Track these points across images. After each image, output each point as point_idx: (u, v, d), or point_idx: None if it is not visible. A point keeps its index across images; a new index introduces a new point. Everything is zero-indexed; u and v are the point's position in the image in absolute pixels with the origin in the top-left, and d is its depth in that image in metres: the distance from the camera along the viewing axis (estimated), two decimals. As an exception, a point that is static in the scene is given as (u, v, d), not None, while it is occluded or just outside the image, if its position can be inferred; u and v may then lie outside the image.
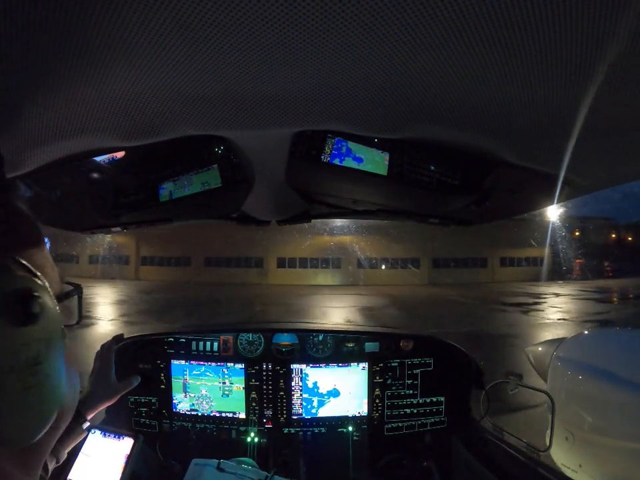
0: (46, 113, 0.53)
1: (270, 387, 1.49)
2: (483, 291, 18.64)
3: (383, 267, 25.61)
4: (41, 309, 0.33)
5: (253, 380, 1.49)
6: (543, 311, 12.23)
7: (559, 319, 10.62)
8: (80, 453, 1.10)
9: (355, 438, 1.47)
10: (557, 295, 17.20)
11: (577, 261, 28.89)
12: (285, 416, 1.48)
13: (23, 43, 0.39)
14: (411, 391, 1.51)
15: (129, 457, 1.13)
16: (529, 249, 28.85)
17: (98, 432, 1.17)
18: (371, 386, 1.50)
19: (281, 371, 1.49)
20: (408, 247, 23.80)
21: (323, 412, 1.49)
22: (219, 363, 1.50)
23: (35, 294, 0.33)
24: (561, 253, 28.78)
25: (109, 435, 1.18)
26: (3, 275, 0.32)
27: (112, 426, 1.20)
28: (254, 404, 1.48)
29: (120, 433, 1.18)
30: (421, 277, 25.04)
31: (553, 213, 23.57)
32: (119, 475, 1.09)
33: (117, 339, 1.27)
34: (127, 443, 1.16)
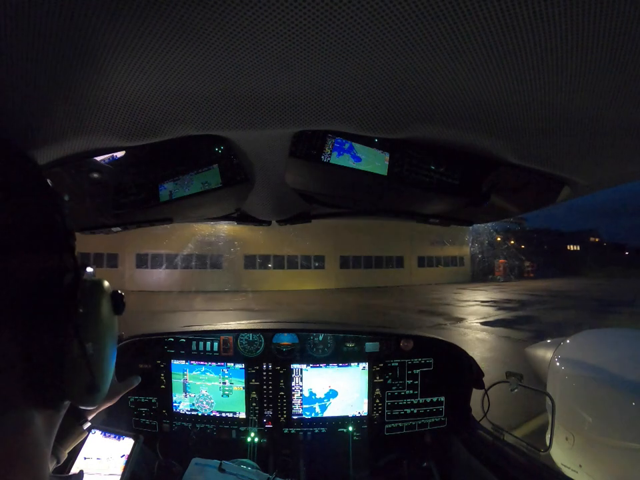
0: (46, 113, 0.53)
1: (270, 387, 1.49)
2: (403, 298, 15.81)
3: (278, 266, 20.98)
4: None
5: (253, 380, 1.49)
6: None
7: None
8: (80, 453, 1.10)
9: (355, 438, 1.47)
10: (497, 303, 14.56)
11: (500, 260, 28.36)
12: (285, 416, 1.48)
13: (23, 43, 0.39)
14: (411, 391, 1.52)
15: (129, 457, 1.13)
16: (450, 248, 27.30)
17: (98, 432, 1.17)
18: (371, 386, 1.50)
19: (281, 371, 1.49)
20: (310, 241, 19.65)
21: (323, 412, 1.49)
22: (219, 363, 1.50)
23: (122, 293, 0.44)
24: (484, 253, 28.09)
25: (109, 435, 1.18)
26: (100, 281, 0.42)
27: (112, 426, 1.20)
28: (254, 404, 1.48)
29: (120, 433, 1.18)
30: (326, 280, 21.17)
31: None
32: (119, 475, 1.09)
33: (117, 339, 1.27)
34: (126, 443, 1.16)
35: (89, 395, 0.38)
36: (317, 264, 22.45)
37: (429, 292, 19.23)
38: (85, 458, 1.10)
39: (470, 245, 28.25)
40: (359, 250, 22.62)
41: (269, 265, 21.03)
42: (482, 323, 9.63)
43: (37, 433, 0.35)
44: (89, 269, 0.41)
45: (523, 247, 29.48)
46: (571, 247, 42.67)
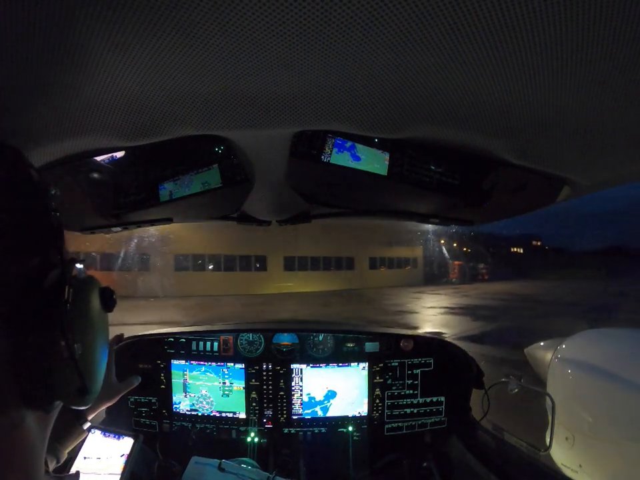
0: (46, 114, 0.53)
1: (270, 387, 1.49)
2: (357, 306, 13.62)
3: (215, 268, 18.19)
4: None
5: (253, 380, 1.49)
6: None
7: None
8: (80, 453, 1.10)
9: (355, 438, 1.47)
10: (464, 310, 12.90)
11: (455, 262, 27.26)
12: (285, 416, 1.48)
13: (24, 43, 0.39)
14: (411, 391, 1.51)
15: (129, 457, 1.13)
16: (403, 249, 25.46)
17: (98, 432, 1.17)
18: (371, 386, 1.50)
19: (281, 371, 1.49)
20: (251, 240, 16.90)
21: (323, 412, 1.49)
22: (219, 363, 1.50)
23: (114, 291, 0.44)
24: (437, 255, 26.81)
25: (109, 435, 1.18)
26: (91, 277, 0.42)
27: (112, 426, 1.20)
28: (254, 404, 1.48)
29: (120, 432, 1.18)
30: (269, 283, 18.28)
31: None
32: (119, 475, 1.09)
33: (117, 338, 1.27)
34: (126, 443, 1.16)
35: (79, 396, 0.37)
36: (257, 265, 19.75)
37: (384, 297, 17.17)
38: (85, 458, 1.10)
39: (423, 246, 27.17)
40: (305, 250, 19.83)
41: (204, 267, 18.43)
42: (468, 339, 7.48)
43: (28, 433, 0.35)
44: (79, 266, 0.40)
45: (468, 250, 28.74)
46: (515, 249, 42.87)
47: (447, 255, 26.86)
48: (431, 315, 12.34)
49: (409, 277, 25.63)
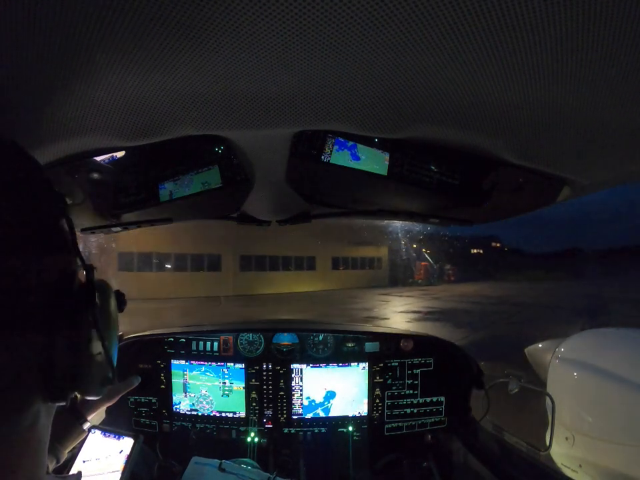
0: (46, 114, 0.53)
1: (270, 387, 1.49)
2: (322, 311, 12.12)
3: (163, 267, 16.46)
4: None
5: (253, 380, 1.49)
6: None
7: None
8: (80, 453, 1.10)
9: (355, 438, 1.47)
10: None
11: (422, 263, 25.99)
12: (285, 416, 1.49)
13: (24, 43, 0.39)
14: (411, 391, 1.51)
15: (129, 457, 1.13)
16: (368, 248, 23.92)
17: (98, 432, 1.17)
18: (371, 386, 1.50)
19: (281, 371, 1.49)
20: (205, 236, 15.21)
21: (323, 412, 1.49)
22: (219, 363, 1.50)
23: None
24: (402, 255, 25.35)
25: (109, 435, 1.18)
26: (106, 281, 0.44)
27: (112, 426, 1.20)
28: (254, 404, 1.48)
29: (120, 433, 1.18)
30: (223, 284, 16.56)
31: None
32: (119, 475, 1.09)
33: (117, 339, 1.27)
34: (126, 443, 1.16)
35: (102, 386, 0.41)
36: (211, 264, 17.82)
37: (350, 300, 15.76)
38: (85, 461, 1.10)
39: (388, 245, 25.76)
40: (264, 248, 18.24)
41: (151, 266, 16.56)
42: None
43: (42, 427, 0.36)
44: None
45: (433, 251, 27.68)
46: (475, 250, 42.66)
47: (412, 255, 26.05)
48: (404, 321, 11.08)
49: (374, 278, 24.08)
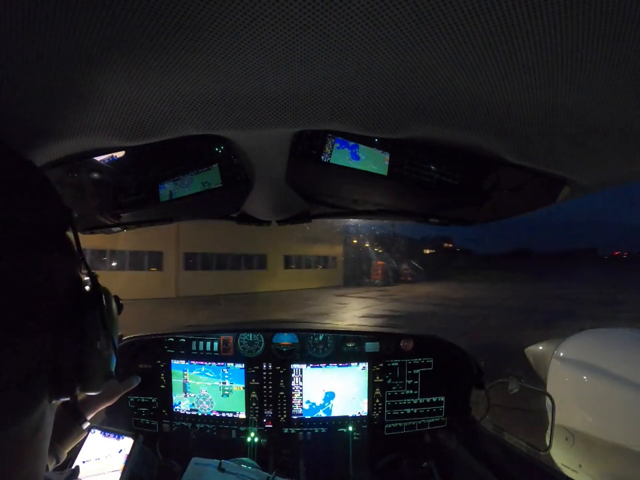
0: (47, 114, 0.53)
1: (270, 387, 1.49)
2: (274, 315, 10.25)
3: (99, 264, 13.74)
4: None
5: (253, 380, 1.49)
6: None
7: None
8: (80, 453, 1.10)
9: (355, 438, 1.47)
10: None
11: (378, 262, 24.75)
12: (285, 416, 1.49)
13: (24, 43, 0.39)
14: (411, 391, 1.51)
15: (129, 457, 1.13)
16: (322, 246, 22.40)
17: (98, 432, 1.17)
18: (371, 386, 1.50)
19: (281, 371, 1.49)
20: (148, 234, 13.24)
21: (323, 412, 1.49)
22: (219, 363, 1.50)
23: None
24: (357, 254, 24.25)
25: (109, 435, 1.18)
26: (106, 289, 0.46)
27: (112, 426, 1.20)
28: (254, 404, 1.48)
29: (120, 432, 1.18)
30: (165, 285, 15.19)
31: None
32: (119, 475, 1.09)
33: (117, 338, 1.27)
34: (126, 443, 1.16)
35: (104, 382, 0.44)
36: (152, 263, 16.04)
37: (303, 303, 14.42)
38: (84, 462, 1.10)
39: (343, 244, 24.66)
40: (210, 246, 16.80)
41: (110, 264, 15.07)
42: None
43: (46, 425, 0.38)
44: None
45: (384, 250, 26.76)
46: (428, 251, 42.60)
47: (368, 254, 24.97)
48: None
49: (329, 278, 22.78)
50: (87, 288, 0.42)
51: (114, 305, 0.48)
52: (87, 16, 0.35)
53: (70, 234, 0.40)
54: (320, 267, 24.09)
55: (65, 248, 0.38)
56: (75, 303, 0.38)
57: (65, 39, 0.38)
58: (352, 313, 12.67)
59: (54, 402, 0.39)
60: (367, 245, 25.61)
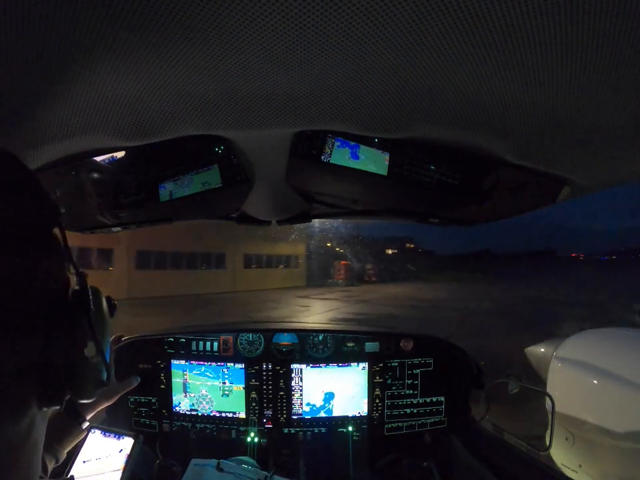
0: (47, 114, 0.53)
1: (270, 387, 1.49)
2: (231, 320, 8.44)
3: None
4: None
5: (253, 380, 1.49)
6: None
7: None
8: (80, 453, 1.10)
9: (355, 438, 1.47)
10: None
11: (342, 262, 23.71)
12: (284, 416, 1.49)
13: (24, 43, 0.39)
14: (411, 391, 1.51)
15: (129, 457, 1.13)
16: (284, 245, 21.40)
17: (98, 432, 1.17)
18: (371, 386, 1.50)
19: (281, 371, 1.49)
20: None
21: (323, 412, 1.49)
22: (219, 363, 1.50)
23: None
24: (320, 253, 22.79)
25: (109, 435, 1.18)
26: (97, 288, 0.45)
27: (112, 426, 1.20)
28: (254, 404, 1.48)
29: (120, 432, 1.18)
30: (114, 285, 13.84)
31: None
32: (119, 475, 1.09)
33: (117, 339, 1.27)
34: (127, 443, 1.16)
35: (95, 389, 0.41)
36: (100, 261, 14.95)
37: (264, 305, 13.64)
38: (85, 462, 1.10)
39: (306, 243, 23.13)
40: (164, 243, 15.64)
41: None
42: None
43: (37, 432, 0.36)
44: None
45: (347, 249, 25.36)
46: (391, 251, 42.02)
47: (332, 253, 23.82)
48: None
49: (291, 278, 21.55)
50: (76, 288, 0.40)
51: (104, 306, 0.46)
52: (87, 16, 0.35)
53: (57, 232, 0.39)
54: (282, 266, 23.01)
55: (49, 248, 0.37)
56: (60, 305, 0.37)
57: (64, 39, 0.38)
58: (316, 317, 11.64)
59: (45, 409, 0.37)
60: (330, 245, 24.47)
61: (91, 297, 0.41)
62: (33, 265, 0.34)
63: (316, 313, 12.24)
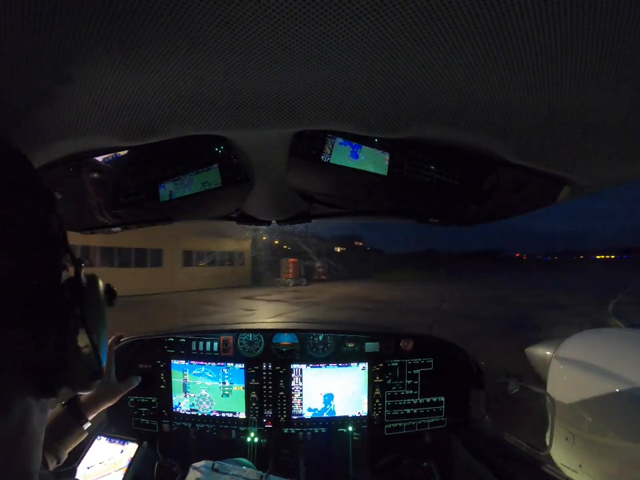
0: (47, 114, 0.53)
1: (270, 387, 1.49)
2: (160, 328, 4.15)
3: None
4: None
5: (253, 380, 1.49)
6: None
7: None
8: (83, 462, 1.11)
9: (354, 438, 1.47)
10: None
11: (290, 260, 21.97)
12: (284, 416, 1.49)
13: (24, 43, 0.39)
14: (411, 391, 1.52)
15: (132, 460, 1.14)
16: (228, 241, 19.91)
17: (104, 439, 1.18)
18: (371, 386, 1.50)
19: (281, 371, 1.49)
20: None
21: (323, 412, 1.49)
22: (219, 363, 1.50)
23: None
24: (266, 250, 21.06)
25: (114, 441, 1.19)
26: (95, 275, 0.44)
27: (112, 426, 1.20)
28: (254, 404, 1.48)
29: (125, 438, 1.19)
30: None
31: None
32: (125, 468, 1.10)
33: (117, 339, 1.27)
34: (131, 448, 1.17)
35: (90, 381, 0.41)
36: None
37: (203, 308, 12.20)
38: (89, 467, 1.11)
39: (251, 239, 21.59)
40: (93, 238, 10.28)
41: None
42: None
43: (35, 424, 0.36)
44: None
45: (291, 247, 23.98)
46: (339, 249, 41.10)
47: (279, 251, 22.21)
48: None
49: (235, 276, 19.88)
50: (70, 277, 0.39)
51: (101, 296, 0.45)
52: (87, 15, 0.35)
53: (54, 223, 0.38)
54: (226, 264, 21.27)
55: (42, 237, 0.36)
56: (51, 295, 0.36)
57: (64, 39, 0.38)
58: (263, 325, 10.22)
59: (43, 401, 0.37)
60: (277, 242, 23.16)
61: (85, 286, 0.40)
62: (21, 253, 0.33)
63: (261, 318, 10.78)
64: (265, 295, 16.01)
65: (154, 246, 16.93)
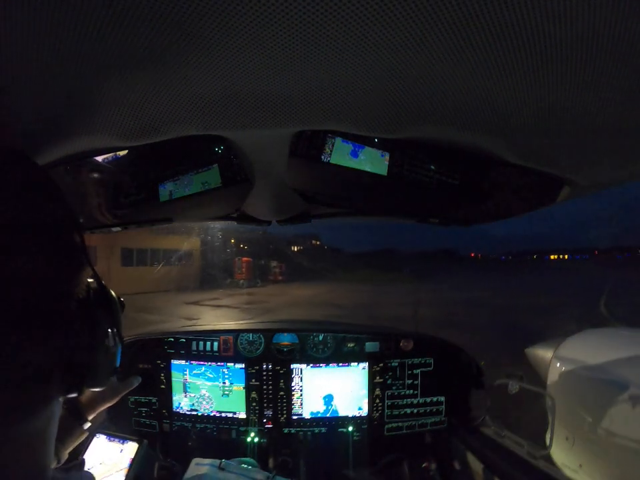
0: (47, 114, 0.53)
1: (270, 387, 1.49)
2: None
3: None
4: None
5: (253, 380, 1.49)
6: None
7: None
8: (85, 457, 1.10)
9: (355, 438, 1.47)
10: None
11: (243, 259, 20.25)
12: (285, 416, 1.49)
13: (24, 44, 0.39)
14: (411, 391, 1.52)
15: (133, 461, 1.13)
16: (175, 238, 18.20)
17: (103, 437, 1.17)
18: (371, 386, 1.50)
19: (281, 371, 1.49)
20: None
21: (323, 412, 1.49)
22: (219, 363, 1.50)
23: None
24: (217, 249, 18.60)
25: (114, 439, 1.19)
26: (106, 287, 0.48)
27: (112, 425, 1.20)
28: (254, 404, 1.48)
29: (125, 437, 1.18)
30: None
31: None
32: (125, 469, 1.10)
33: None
34: (131, 447, 1.16)
35: (108, 377, 0.47)
36: None
37: (139, 317, 8.31)
38: (89, 469, 1.10)
39: (202, 237, 19.40)
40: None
41: None
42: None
43: (55, 421, 0.40)
44: None
45: (245, 246, 22.60)
46: (296, 248, 39.25)
47: (231, 249, 20.31)
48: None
49: (182, 278, 17.93)
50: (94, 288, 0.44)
51: (118, 304, 0.50)
52: (87, 16, 0.35)
53: (74, 228, 0.41)
54: (172, 264, 19.22)
55: (72, 250, 0.40)
56: (86, 303, 0.40)
57: (64, 39, 0.38)
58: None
59: (61, 398, 0.40)
60: (233, 241, 21.31)
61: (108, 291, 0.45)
62: (56, 265, 0.36)
63: (204, 322, 8.59)
64: (213, 299, 14.27)
65: (86, 243, 15.74)
